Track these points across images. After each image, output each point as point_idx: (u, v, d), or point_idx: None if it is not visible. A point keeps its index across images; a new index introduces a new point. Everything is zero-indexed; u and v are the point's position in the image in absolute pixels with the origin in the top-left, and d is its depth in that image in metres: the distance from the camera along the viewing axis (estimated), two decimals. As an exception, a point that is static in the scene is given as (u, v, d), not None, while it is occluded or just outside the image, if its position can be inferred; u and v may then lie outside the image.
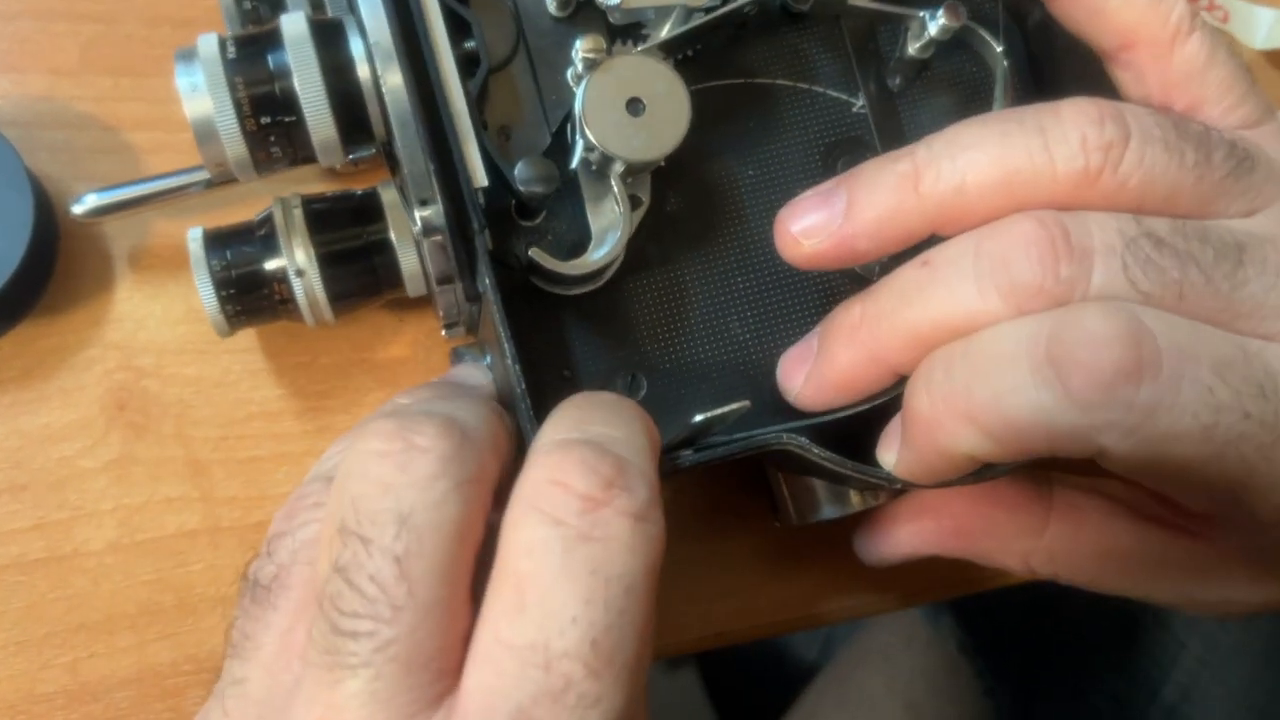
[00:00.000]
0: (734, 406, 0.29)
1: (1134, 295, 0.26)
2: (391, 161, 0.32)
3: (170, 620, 0.36)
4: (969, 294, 0.27)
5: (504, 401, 0.31)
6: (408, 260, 0.33)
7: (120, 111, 0.38)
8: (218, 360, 0.38)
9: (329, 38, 0.30)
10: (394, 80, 0.29)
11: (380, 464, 0.24)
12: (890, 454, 0.29)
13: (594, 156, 0.31)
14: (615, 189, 0.31)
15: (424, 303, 0.37)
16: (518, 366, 0.28)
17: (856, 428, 0.30)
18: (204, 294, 0.32)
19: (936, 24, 0.33)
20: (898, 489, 0.30)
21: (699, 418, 0.29)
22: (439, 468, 0.24)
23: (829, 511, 0.34)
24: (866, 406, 0.30)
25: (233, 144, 0.29)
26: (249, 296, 0.33)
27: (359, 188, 0.34)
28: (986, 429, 0.26)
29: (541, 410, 0.28)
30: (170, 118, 0.38)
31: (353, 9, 0.30)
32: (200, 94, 0.29)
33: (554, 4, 0.32)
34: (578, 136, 0.31)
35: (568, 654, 0.23)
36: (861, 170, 0.29)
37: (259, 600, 0.27)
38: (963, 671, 0.65)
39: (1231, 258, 0.27)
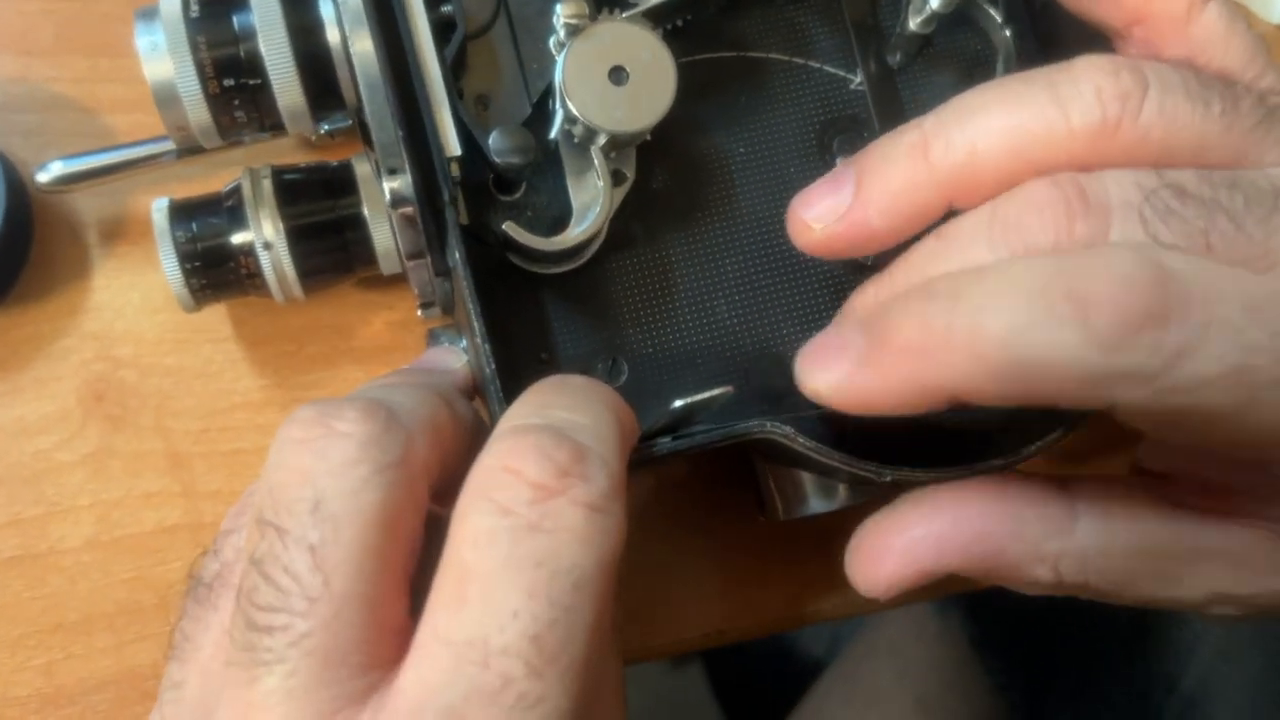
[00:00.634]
0: (717, 392, 0.28)
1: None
2: (365, 132, 0.31)
3: (150, 620, 0.35)
4: (982, 260, 0.26)
5: (478, 386, 0.29)
6: (381, 236, 0.32)
7: (98, 93, 0.37)
8: (199, 350, 0.36)
9: (297, -2, 0.29)
10: (363, 44, 0.28)
11: (298, 451, 0.23)
12: (828, 373, 0.26)
13: (576, 129, 0.30)
14: (597, 162, 0.30)
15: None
16: (488, 346, 0.27)
17: (843, 417, 0.28)
18: (167, 266, 0.31)
19: (939, -4, 0.31)
20: (887, 480, 0.29)
21: (679, 403, 0.27)
22: (358, 453, 0.23)
23: (817, 505, 0.33)
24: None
25: (195, 107, 0.29)
26: (215, 270, 0.32)
27: (335, 160, 0.33)
28: (989, 366, 0.24)
29: (514, 394, 0.26)
30: (151, 99, 0.37)
31: (323, -32, 0.29)
32: (160, 54, 0.28)
33: (537, -32, 0.31)
34: (558, 107, 0.30)
35: (507, 650, 0.21)
36: (870, 148, 0.28)
37: (201, 600, 0.26)
38: (973, 666, 0.64)
39: (1266, 203, 0.25)
